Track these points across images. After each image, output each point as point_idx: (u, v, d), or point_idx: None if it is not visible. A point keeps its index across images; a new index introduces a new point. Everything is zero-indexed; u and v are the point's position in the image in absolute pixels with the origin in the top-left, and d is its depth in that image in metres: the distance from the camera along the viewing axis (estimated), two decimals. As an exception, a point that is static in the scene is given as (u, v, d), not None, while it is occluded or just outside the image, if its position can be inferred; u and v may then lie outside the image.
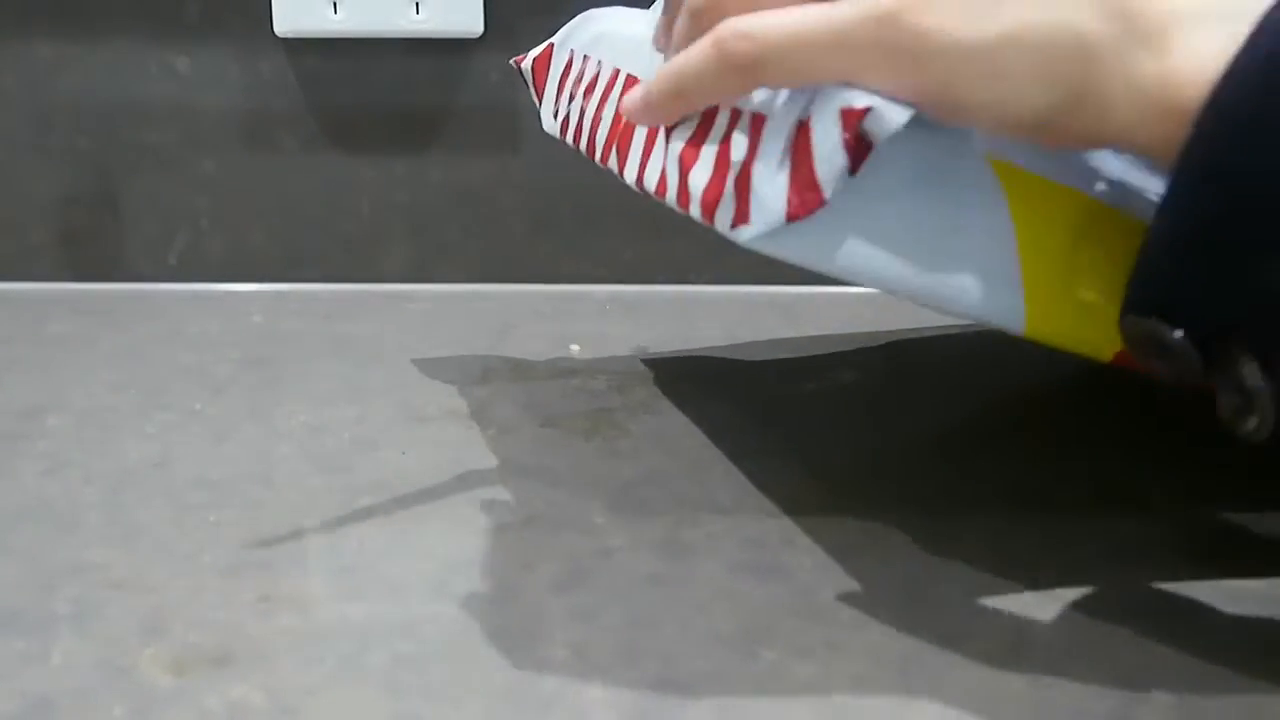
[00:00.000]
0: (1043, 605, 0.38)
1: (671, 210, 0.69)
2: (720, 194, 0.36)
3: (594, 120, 0.46)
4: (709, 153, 0.37)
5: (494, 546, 0.41)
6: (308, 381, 0.55)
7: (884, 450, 0.49)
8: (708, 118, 0.38)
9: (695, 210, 0.37)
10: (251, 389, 0.55)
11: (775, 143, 0.35)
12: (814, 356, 0.59)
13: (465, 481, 0.46)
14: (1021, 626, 0.37)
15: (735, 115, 0.37)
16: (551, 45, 0.53)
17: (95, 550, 0.41)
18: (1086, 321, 0.36)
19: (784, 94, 0.35)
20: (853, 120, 0.33)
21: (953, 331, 0.62)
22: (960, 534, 0.42)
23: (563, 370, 0.57)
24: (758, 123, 0.36)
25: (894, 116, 0.33)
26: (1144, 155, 0.34)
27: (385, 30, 0.67)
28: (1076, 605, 0.38)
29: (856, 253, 0.35)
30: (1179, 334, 0.32)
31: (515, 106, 0.69)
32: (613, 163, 0.44)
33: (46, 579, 0.39)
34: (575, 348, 0.60)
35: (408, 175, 0.70)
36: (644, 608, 0.38)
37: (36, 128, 0.69)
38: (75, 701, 0.33)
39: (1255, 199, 0.30)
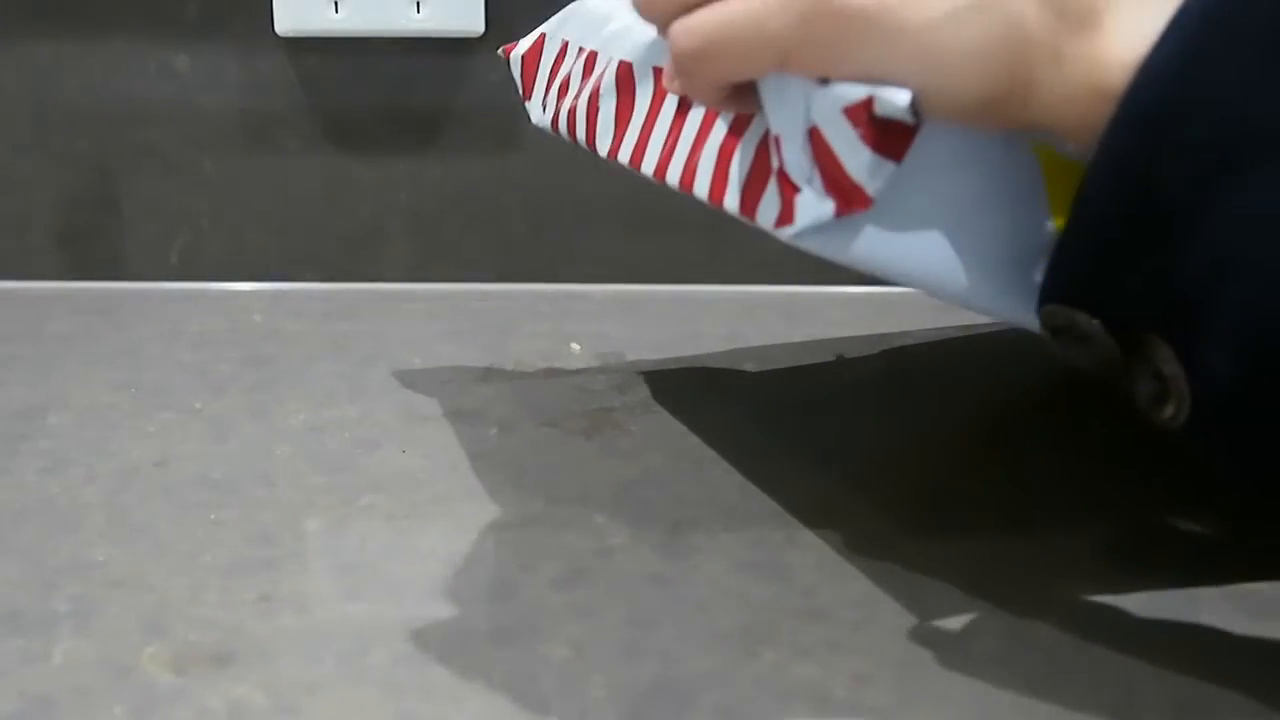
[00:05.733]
0: (1043, 606, 0.38)
1: (671, 210, 0.69)
2: (763, 191, 0.35)
3: (590, 109, 0.46)
4: (748, 150, 0.37)
5: (494, 545, 0.41)
6: (308, 381, 0.56)
7: (884, 450, 0.49)
8: (739, 122, 0.38)
9: (732, 204, 0.37)
10: (251, 389, 0.55)
11: (796, 155, 0.34)
12: (813, 357, 0.59)
13: (465, 481, 0.46)
14: (1021, 626, 0.37)
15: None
16: (543, 36, 0.52)
17: (96, 549, 0.41)
18: None
19: (779, 107, 0.35)
20: (861, 115, 0.33)
21: (952, 333, 0.62)
22: (960, 534, 0.42)
23: (563, 370, 0.57)
24: (776, 139, 0.35)
25: (897, 99, 0.32)
26: (1072, 140, 0.33)
27: (386, 30, 0.67)
28: (1076, 606, 0.38)
29: (899, 247, 0.34)
30: (1096, 323, 0.32)
31: (515, 106, 0.68)
32: (623, 154, 0.43)
33: (47, 578, 0.39)
34: (575, 348, 0.60)
35: (408, 175, 0.70)
36: (644, 607, 0.38)
37: (36, 128, 0.69)
38: (76, 700, 0.33)
39: (1168, 188, 0.30)
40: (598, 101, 0.45)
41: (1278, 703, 0.33)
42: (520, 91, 0.53)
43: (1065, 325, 0.33)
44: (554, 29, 0.51)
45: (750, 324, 0.64)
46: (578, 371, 0.57)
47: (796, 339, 0.61)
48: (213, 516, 0.43)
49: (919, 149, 0.33)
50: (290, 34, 0.67)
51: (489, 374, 0.56)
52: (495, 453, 0.48)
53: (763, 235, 0.36)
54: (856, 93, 0.33)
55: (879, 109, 0.32)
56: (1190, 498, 0.45)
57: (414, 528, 0.42)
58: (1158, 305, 0.31)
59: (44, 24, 0.68)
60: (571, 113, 0.47)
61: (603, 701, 0.33)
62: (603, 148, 0.45)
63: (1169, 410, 0.32)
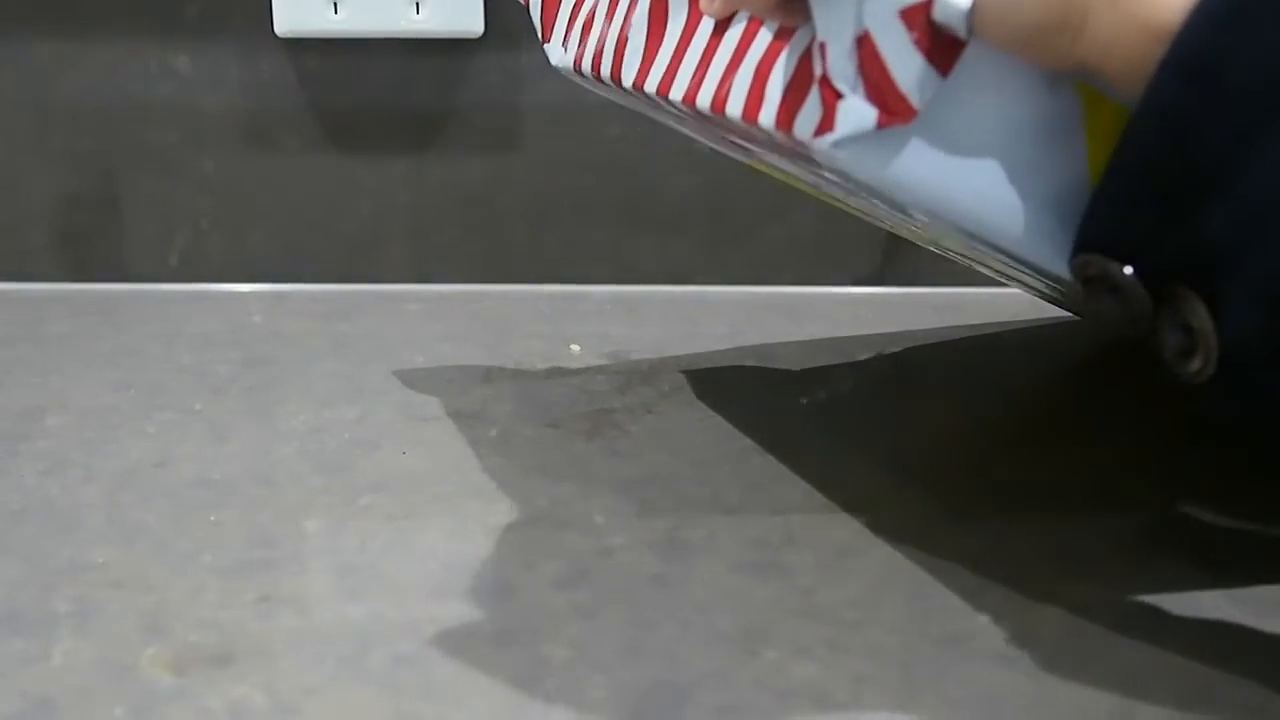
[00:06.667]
0: (1043, 605, 0.38)
1: (671, 210, 0.69)
2: (803, 101, 0.34)
3: (620, 40, 0.45)
4: (789, 62, 0.35)
5: (495, 546, 0.41)
6: (308, 381, 0.55)
7: (884, 449, 0.49)
8: (785, 31, 0.36)
9: (768, 118, 0.36)
10: (251, 389, 0.55)
11: (843, 63, 0.33)
12: (814, 357, 0.59)
13: (465, 481, 0.46)
14: (1022, 626, 0.37)
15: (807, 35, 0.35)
16: None
17: (96, 550, 0.41)
18: None
19: (829, 11, 0.33)
20: (918, 17, 0.32)
21: (954, 333, 0.62)
22: (961, 533, 0.42)
23: (563, 370, 0.57)
24: (822, 46, 0.34)
25: (958, 1, 0.31)
26: (1120, 83, 0.33)
27: (385, 30, 0.67)
28: (1077, 605, 0.38)
29: (937, 169, 0.33)
30: (1129, 271, 0.32)
31: (515, 106, 0.69)
32: (650, 83, 0.42)
33: (47, 579, 0.39)
34: (575, 348, 0.60)
35: (408, 175, 0.70)
36: (645, 607, 0.38)
37: (36, 128, 0.69)
38: (76, 701, 0.33)
39: (1215, 134, 0.30)
40: (627, 32, 0.44)
41: (1278, 706, 0.33)
42: (539, 33, 0.52)
43: (1098, 275, 0.33)
44: None
45: (750, 324, 0.64)
46: (578, 372, 0.57)
47: (797, 339, 0.61)
48: (212, 517, 0.43)
49: (965, 68, 0.33)
50: (290, 34, 0.67)
51: (489, 374, 0.56)
52: (495, 453, 0.48)
53: (763, 235, 0.36)
54: None
55: (937, 13, 0.32)
56: (1196, 497, 0.45)
57: (414, 528, 0.42)
58: (1194, 257, 0.31)
59: (44, 24, 0.68)
60: (600, 44, 0.46)
61: (603, 701, 0.33)
62: (629, 78, 0.44)
63: (1195, 364, 0.32)
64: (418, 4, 0.66)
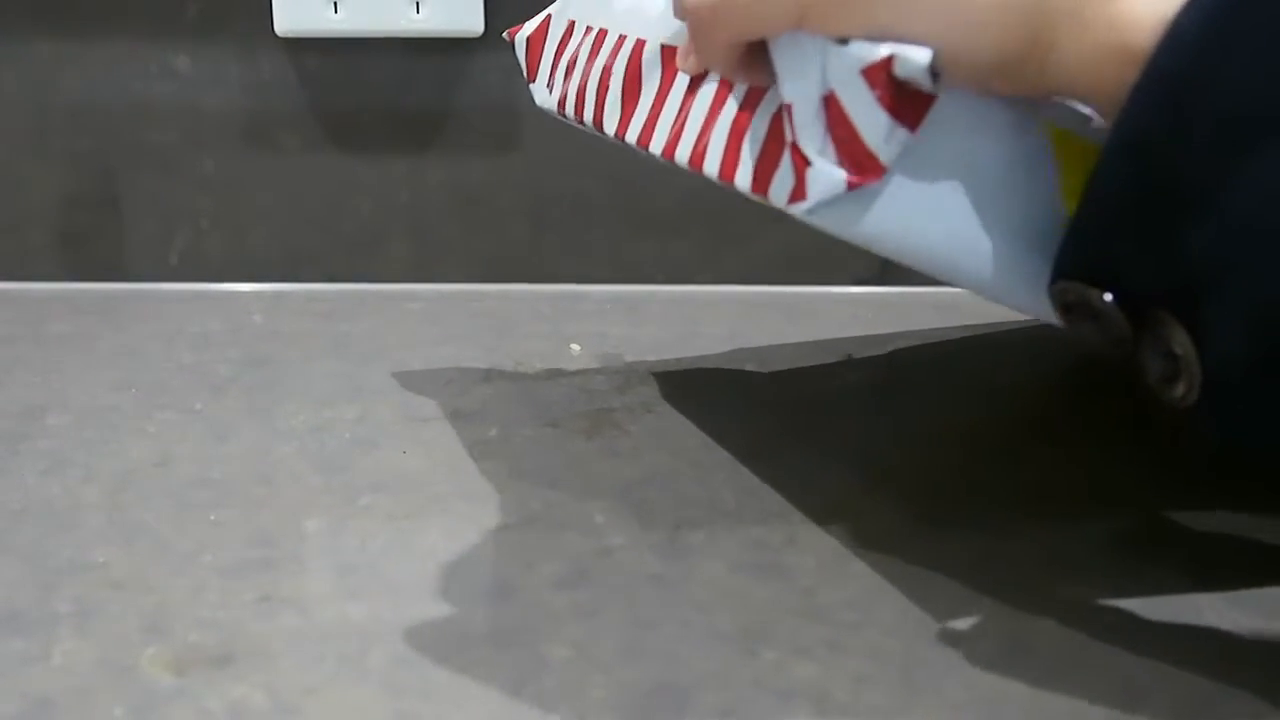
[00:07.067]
0: (1042, 606, 0.38)
1: (671, 210, 0.69)
2: (776, 167, 0.35)
3: (600, 89, 0.45)
4: (760, 125, 0.36)
5: (494, 546, 0.41)
6: (308, 381, 0.56)
7: (884, 450, 0.49)
8: (750, 99, 0.37)
9: (744, 181, 0.36)
10: (251, 389, 0.55)
11: (810, 124, 0.33)
12: (814, 357, 0.59)
13: (465, 481, 0.46)
14: (1021, 627, 0.37)
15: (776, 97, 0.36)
16: (549, 17, 0.52)
17: (96, 550, 0.41)
18: None
19: (794, 73, 0.34)
20: (880, 74, 0.32)
21: (954, 333, 0.62)
22: (960, 534, 0.42)
23: (563, 370, 0.57)
24: (789, 108, 0.35)
25: (918, 56, 0.31)
26: (1092, 103, 0.33)
27: (385, 30, 0.67)
28: (1076, 606, 0.38)
29: (909, 223, 0.34)
30: (1109, 300, 0.32)
31: (515, 106, 0.69)
32: (631, 134, 0.43)
33: (47, 579, 0.39)
34: (575, 348, 0.60)
35: (408, 175, 0.70)
36: (645, 607, 0.38)
37: (36, 128, 0.69)
38: (76, 701, 0.33)
39: (1192, 156, 0.30)
40: (608, 80, 0.45)
41: (1278, 705, 0.33)
42: (525, 73, 0.52)
43: (1077, 301, 0.33)
44: (560, 8, 0.51)
45: (750, 324, 0.64)
46: (578, 372, 0.57)
47: (797, 339, 0.61)
48: (213, 516, 0.43)
49: (934, 121, 0.33)
50: (290, 34, 0.67)
51: (489, 374, 0.56)
52: (495, 453, 0.48)
53: (763, 235, 0.36)
54: (876, 52, 0.32)
55: (899, 69, 0.32)
56: (1192, 499, 0.45)
57: (414, 528, 0.42)
58: (1172, 281, 0.31)
59: (44, 24, 0.68)
60: (580, 92, 0.47)
61: (603, 701, 0.33)
62: (610, 127, 0.44)
63: (1179, 390, 0.32)
64: (418, 3, 0.66)
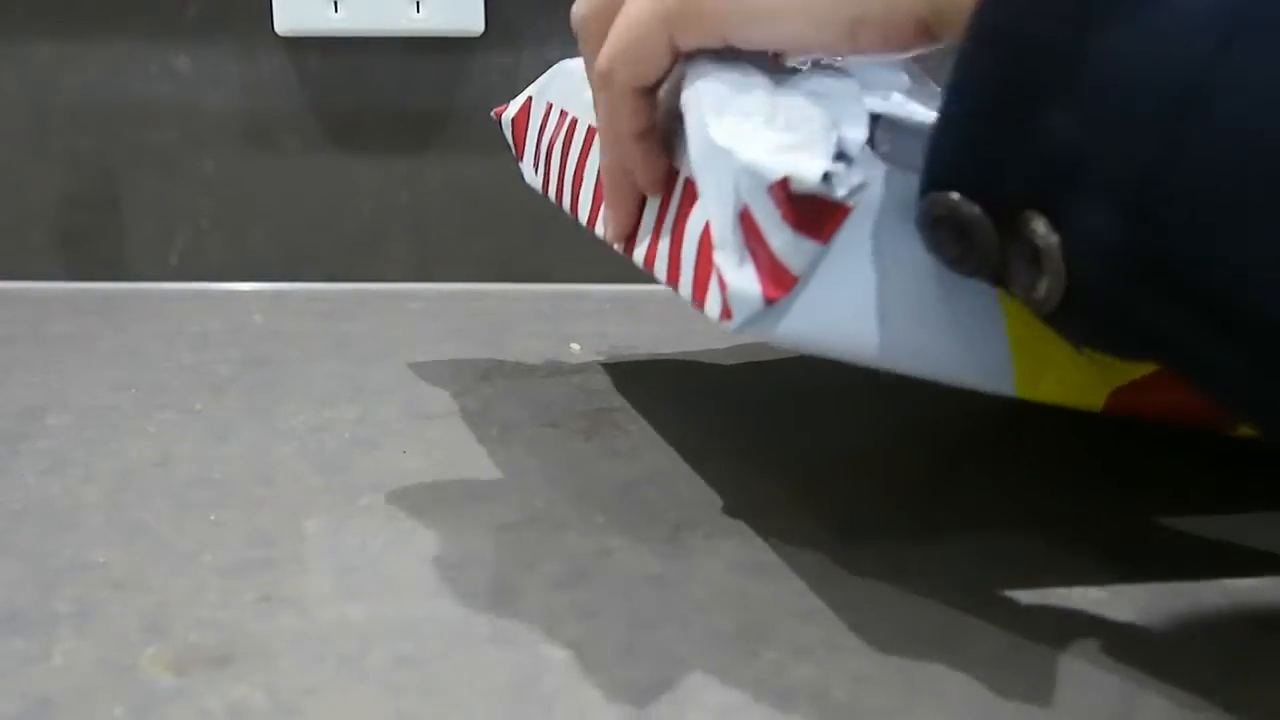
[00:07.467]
0: (1042, 606, 0.38)
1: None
2: (707, 282, 0.36)
3: (575, 182, 0.47)
4: (692, 241, 0.37)
5: (494, 546, 0.41)
6: (308, 381, 0.56)
7: (885, 450, 0.49)
8: (682, 214, 0.38)
9: (685, 292, 0.37)
10: (251, 389, 0.55)
11: (729, 238, 0.34)
12: (814, 357, 0.59)
13: (465, 481, 0.46)
14: (1021, 627, 0.37)
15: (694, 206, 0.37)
16: (530, 99, 0.52)
17: (96, 550, 0.41)
18: (1074, 373, 0.36)
19: (711, 186, 0.35)
20: (780, 192, 0.33)
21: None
22: (960, 535, 0.42)
23: (563, 370, 0.57)
24: (708, 226, 0.36)
25: (808, 174, 0.33)
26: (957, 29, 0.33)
27: (385, 29, 0.67)
28: (1076, 606, 0.38)
29: (843, 326, 0.34)
30: (975, 208, 0.32)
31: (515, 106, 0.69)
32: (599, 229, 0.44)
33: (47, 579, 0.39)
34: (575, 348, 0.60)
35: (408, 175, 0.70)
36: (644, 607, 0.38)
37: (36, 128, 0.69)
38: (75, 701, 0.33)
39: (1046, 35, 0.30)
40: (581, 174, 0.46)
41: (1277, 705, 0.33)
42: (513, 151, 0.54)
43: (945, 215, 0.32)
44: (539, 90, 0.52)
45: (750, 324, 0.64)
46: (578, 371, 0.57)
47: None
48: (213, 517, 0.43)
49: (849, 227, 0.34)
50: (290, 34, 0.67)
51: (489, 374, 0.56)
52: (496, 453, 0.48)
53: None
54: (778, 171, 0.33)
55: (794, 186, 0.33)
56: (1190, 500, 0.45)
57: (414, 528, 0.42)
58: (1035, 172, 0.30)
59: (44, 24, 0.68)
60: (560, 179, 0.48)
61: (602, 701, 0.33)
62: (582, 217, 0.46)
63: (1041, 289, 0.31)
64: (418, 3, 0.66)
